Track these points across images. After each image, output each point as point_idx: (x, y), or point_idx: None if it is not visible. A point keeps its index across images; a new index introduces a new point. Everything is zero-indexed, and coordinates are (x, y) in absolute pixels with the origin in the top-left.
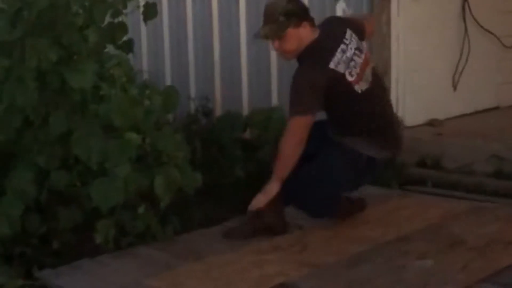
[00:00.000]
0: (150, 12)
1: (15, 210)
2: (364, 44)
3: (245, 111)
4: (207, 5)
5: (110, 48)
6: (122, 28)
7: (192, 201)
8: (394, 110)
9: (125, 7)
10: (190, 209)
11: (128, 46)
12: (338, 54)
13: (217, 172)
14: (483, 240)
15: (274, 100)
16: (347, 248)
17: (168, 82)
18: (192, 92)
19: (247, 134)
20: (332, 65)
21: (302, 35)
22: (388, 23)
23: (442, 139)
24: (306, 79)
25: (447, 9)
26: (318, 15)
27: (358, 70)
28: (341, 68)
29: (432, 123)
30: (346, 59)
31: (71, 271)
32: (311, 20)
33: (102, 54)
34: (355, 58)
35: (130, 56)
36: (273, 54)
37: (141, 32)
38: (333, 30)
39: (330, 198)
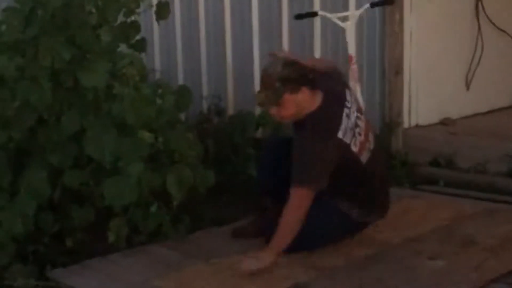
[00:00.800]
0: (163, 11)
1: (29, 208)
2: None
3: (258, 110)
4: (220, 4)
5: (123, 47)
6: (135, 27)
7: (204, 200)
8: (407, 111)
9: (138, 6)
10: (202, 208)
11: (141, 45)
12: (344, 120)
13: (229, 171)
14: (496, 240)
15: None
16: (356, 251)
17: (180, 81)
18: (204, 91)
19: (259, 133)
20: (340, 134)
21: (301, 101)
22: (401, 22)
23: (455, 138)
24: (317, 151)
25: (460, 8)
26: None
27: (362, 137)
28: (347, 138)
29: (445, 122)
30: (352, 125)
31: (82, 271)
32: (310, 84)
33: (115, 53)
34: (359, 122)
35: (142, 55)
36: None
37: (154, 31)
38: (335, 91)
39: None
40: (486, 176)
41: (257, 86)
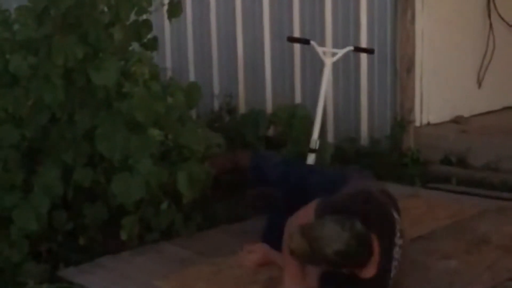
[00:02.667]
0: (175, 10)
1: (42, 206)
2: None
3: (269, 108)
4: (231, 3)
5: (135, 46)
6: (147, 26)
7: (216, 198)
8: (418, 108)
9: (150, 4)
10: (214, 206)
11: (153, 44)
12: (393, 270)
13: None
14: (509, 239)
15: (298, 98)
16: None
17: (191, 79)
18: (216, 89)
19: (270, 131)
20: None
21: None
22: (413, 19)
23: (467, 136)
24: None
25: (472, 5)
26: None
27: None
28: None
29: (456, 120)
30: (396, 264)
31: (93, 269)
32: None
33: (127, 52)
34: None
35: (154, 53)
36: (297, 51)
37: (165, 30)
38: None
39: None
40: (498, 174)
41: (268, 85)
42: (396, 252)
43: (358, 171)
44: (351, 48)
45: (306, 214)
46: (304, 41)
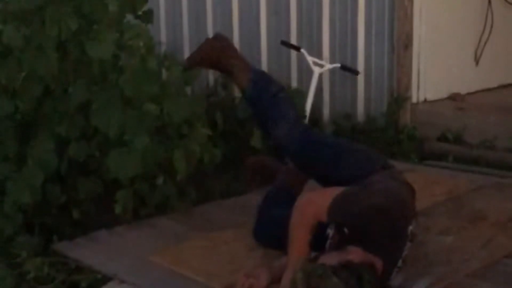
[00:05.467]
0: None
1: (36, 179)
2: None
3: None
4: None
5: (129, 18)
6: None
7: (211, 173)
8: (415, 85)
9: None
10: (209, 181)
11: (148, 17)
12: None
13: (236, 145)
14: (506, 216)
15: (294, 74)
16: None
17: (186, 54)
18: None
19: None
20: None
21: None
22: None
23: (464, 114)
24: None
25: None
26: None
27: None
28: None
29: (453, 97)
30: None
31: (87, 243)
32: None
33: (122, 24)
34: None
35: (149, 27)
36: (293, 28)
37: (160, 3)
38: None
39: None
40: (494, 152)
41: (264, 59)
42: (402, 257)
43: (384, 159)
44: (338, 65)
45: (320, 200)
46: (296, 48)
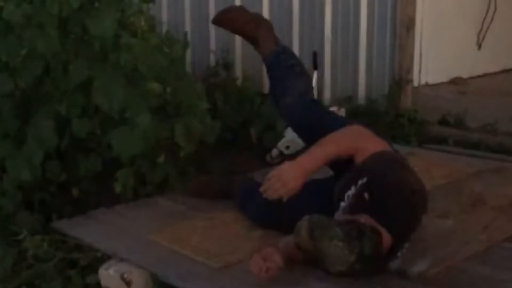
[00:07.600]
0: None
1: (36, 157)
2: None
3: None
4: None
5: None
6: None
7: (211, 153)
8: (417, 68)
9: None
10: (209, 161)
11: None
12: None
13: (237, 125)
14: (506, 200)
15: (295, 52)
16: None
17: (188, 34)
18: (212, 44)
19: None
20: None
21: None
22: None
23: (465, 98)
24: None
25: None
26: None
27: None
28: None
29: (455, 81)
30: None
31: (86, 221)
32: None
33: (123, 2)
34: None
35: (150, 6)
36: (296, 7)
37: None
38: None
39: None
40: (495, 136)
41: None
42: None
43: (388, 142)
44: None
45: (370, 144)
46: (315, 65)
